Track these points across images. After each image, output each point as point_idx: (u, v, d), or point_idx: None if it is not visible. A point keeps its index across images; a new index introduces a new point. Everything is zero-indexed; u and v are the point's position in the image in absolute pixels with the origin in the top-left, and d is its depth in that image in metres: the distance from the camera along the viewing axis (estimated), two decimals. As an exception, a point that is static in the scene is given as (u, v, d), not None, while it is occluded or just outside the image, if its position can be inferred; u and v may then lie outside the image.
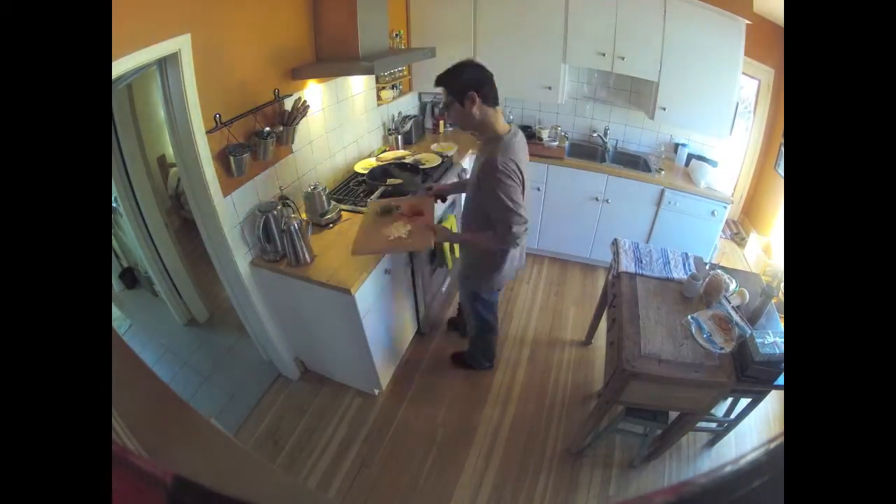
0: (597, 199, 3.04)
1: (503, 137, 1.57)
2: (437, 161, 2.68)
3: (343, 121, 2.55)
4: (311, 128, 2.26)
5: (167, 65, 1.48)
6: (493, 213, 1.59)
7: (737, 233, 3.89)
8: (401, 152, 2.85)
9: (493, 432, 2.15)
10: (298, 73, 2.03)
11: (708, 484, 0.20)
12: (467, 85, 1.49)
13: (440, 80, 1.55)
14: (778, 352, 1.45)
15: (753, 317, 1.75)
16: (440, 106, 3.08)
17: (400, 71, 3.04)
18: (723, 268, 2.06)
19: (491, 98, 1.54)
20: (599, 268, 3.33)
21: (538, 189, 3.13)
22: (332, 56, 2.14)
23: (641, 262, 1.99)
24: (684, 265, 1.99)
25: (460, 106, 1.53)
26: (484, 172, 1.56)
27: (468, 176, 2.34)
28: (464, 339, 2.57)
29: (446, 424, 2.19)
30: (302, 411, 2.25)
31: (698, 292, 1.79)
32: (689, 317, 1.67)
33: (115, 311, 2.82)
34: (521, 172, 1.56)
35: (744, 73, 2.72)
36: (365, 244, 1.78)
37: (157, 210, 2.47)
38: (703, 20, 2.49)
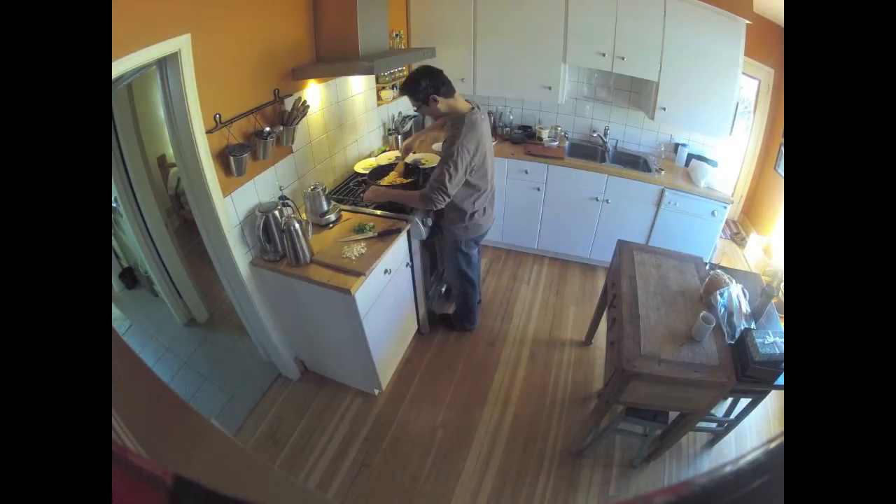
0: (597, 199, 3.04)
1: (466, 116, 1.91)
2: (437, 161, 2.68)
3: (343, 121, 2.55)
4: (311, 128, 2.26)
5: (167, 65, 1.48)
6: (433, 174, 1.94)
7: (737, 233, 3.89)
8: (395, 159, 2.84)
9: (493, 432, 2.15)
10: (298, 73, 2.03)
11: (708, 484, 0.20)
12: (427, 91, 1.86)
13: (406, 92, 1.93)
14: (778, 352, 1.45)
15: (753, 317, 1.75)
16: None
17: (400, 71, 3.04)
18: (723, 268, 2.06)
19: (447, 91, 1.89)
20: (599, 268, 3.33)
21: (538, 189, 3.13)
22: (332, 56, 2.14)
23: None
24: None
25: (427, 106, 1.90)
26: (448, 143, 1.91)
27: None
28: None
29: (446, 424, 2.19)
30: (302, 411, 2.25)
31: (706, 336, 1.61)
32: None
33: (115, 311, 2.82)
34: (480, 150, 1.94)
35: (744, 73, 2.72)
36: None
37: (157, 210, 2.47)
38: (703, 20, 2.49)
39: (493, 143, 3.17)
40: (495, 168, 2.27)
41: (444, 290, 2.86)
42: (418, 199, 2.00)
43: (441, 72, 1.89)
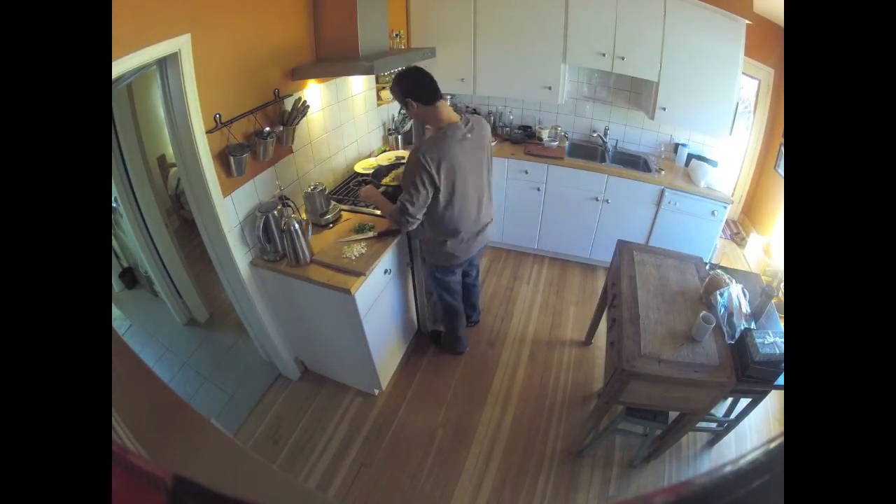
0: (597, 199, 3.04)
1: (441, 131, 1.78)
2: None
3: (343, 121, 2.55)
4: (311, 128, 2.26)
5: (167, 65, 1.48)
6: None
7: (737, 233, 3.89)
8: (401, 152, 2.85)
9: (493, 432, 2.15)
10: (298, 73, 2.03)
11: (708, 484, 0.20)
12: (404, 93, 1.76)
13: (391, 90, 1.84)
14: (778, 352, 1.45)
15: (753, 317, 1.75)
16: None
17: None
18: (723, 268, 2.06)
19: (426, 98, 1.75)
20: (599, 268, 3.33)
21: (538, 189, 3.13)
22: (332, 56, 2.14)
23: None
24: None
25: (408, 109, 1.80)
26: (408, 156, 1.85)
27: None
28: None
29: (446, 424, 2.19)
30: (302, 411, 2.25)
31: (706, 336, 1.61)
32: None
33: (115, 311, 2.82)
34: (447, 166, 1.75)
35: (744, 73, 2.72)
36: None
37: (157, 210, 2.47)
38: (703, 20, 2.49)
39: (494, 143, 3.18)
40: (487, 185, 2.02)
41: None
42: (388, 216, 1.93)
43: (423, 76, 1.75)
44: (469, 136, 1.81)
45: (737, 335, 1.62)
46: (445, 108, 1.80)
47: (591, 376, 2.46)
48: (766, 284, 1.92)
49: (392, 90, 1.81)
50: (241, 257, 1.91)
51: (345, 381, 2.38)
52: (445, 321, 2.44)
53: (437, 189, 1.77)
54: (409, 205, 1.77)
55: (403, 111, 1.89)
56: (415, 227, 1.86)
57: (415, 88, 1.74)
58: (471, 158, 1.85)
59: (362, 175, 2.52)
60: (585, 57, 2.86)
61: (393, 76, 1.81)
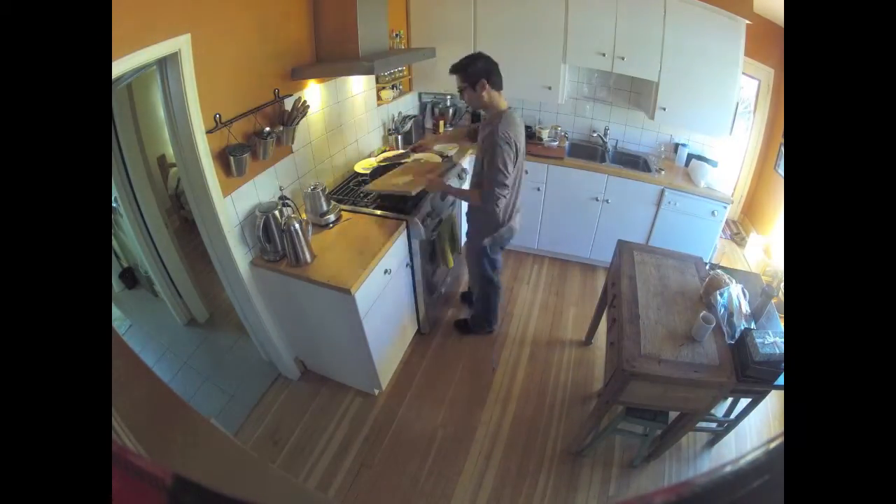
0: (597, 199, 3.04)
1: (504, 113, 1.93)
2: (437, 161, 2.68)
3: (343, 121, 2.55)
4: (311, 128, 2.25)
5: (167, 65, 1.48)
6: (486, 173, 1.95)
7: (737, 233, 3.89)
8: (400, 152, 2.85)
9: (493, 432, 2.15)
10: (298, 73, 2.03)
11: (708, 484, 0.20)
12: (479, 74, 1.87)
13: (456, 69, 1.91)
14: (778, 352, 1.45)
15: (753, 317, 1.75)
16: (448, 101, 3.43)
17: (400, 71, 3.04)
18: (723, 268, 2.06)
19: (497, 84, 1.92)
20: (599, 268, 3.33)
21: (538, 189, 3.13)
22: (332, 56, 2.14)
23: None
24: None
25: (472, 90, 1.90)
26: (487, 138, 1.92)
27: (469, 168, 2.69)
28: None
29: (446, 424, 2.19)
30: (302, 411, 2.25)
31: (706, 336, 1.61)
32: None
33: (115, 311, 2.82)
34: (517, 143, 1.92)
35: (744, 73, 2.72)
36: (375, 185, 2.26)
37: (157, 210, 2.47)
38: (703, 20, 2.49)
39: None
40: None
41: (461, 295, 2.93)
42: (478, 198, 2.01)
43: (497, 65, 1.91)
44: (520, 118, 2.03)
45: (737, 335, 1.62)
46: (503, 97, 1.98)
47: (591, 376, 2.46)
48: (766, 284, 1.92)
49: (462, 70, 1.88)
50: (241, 257, 1.91)
51: (345, 381, 2.38)
52: (484, 299, 2.54)
53: (514, 164, 1.94)
54: (505, 179, 1.89)
55: (459, 92, 1.97)
56: (505, 201, 1.98)
57: (490, 72, 1.87)
58: (523, 136, 2.07)
59: (362, 175, 2.52)
60: (585, 57, 2.86)
61: (463, 58, 1.90)
